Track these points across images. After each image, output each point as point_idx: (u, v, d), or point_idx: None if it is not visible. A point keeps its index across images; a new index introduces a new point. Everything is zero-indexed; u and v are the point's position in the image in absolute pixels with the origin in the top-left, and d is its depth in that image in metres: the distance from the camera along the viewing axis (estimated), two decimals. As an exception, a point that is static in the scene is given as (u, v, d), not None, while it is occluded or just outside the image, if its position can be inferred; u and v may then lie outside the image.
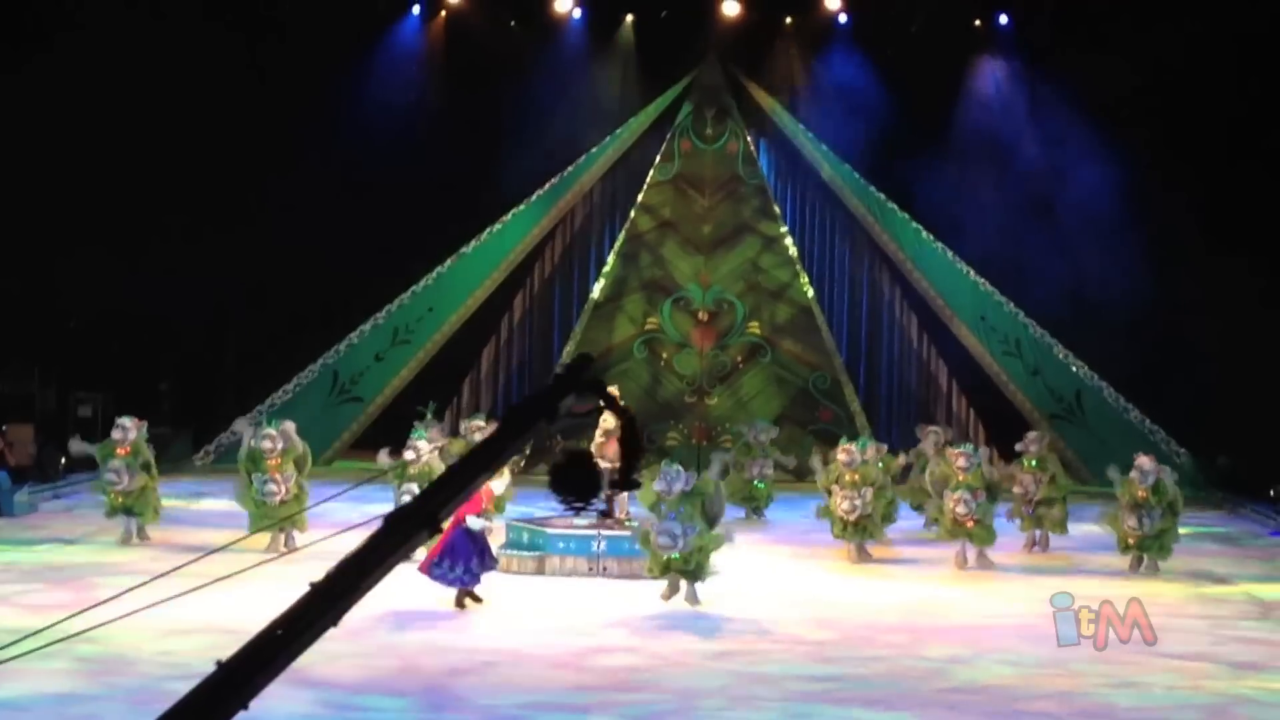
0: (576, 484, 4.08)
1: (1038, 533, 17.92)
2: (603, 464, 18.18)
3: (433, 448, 16.36)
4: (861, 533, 16.89)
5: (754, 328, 26.61)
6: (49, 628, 4.45)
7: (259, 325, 26.12)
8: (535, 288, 27.55)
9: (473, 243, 26.27)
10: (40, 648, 4.22)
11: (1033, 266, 25.25)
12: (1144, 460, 16.49)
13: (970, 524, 16.38)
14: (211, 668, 3.59)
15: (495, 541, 14.58)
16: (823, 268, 27.40)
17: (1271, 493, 22.07)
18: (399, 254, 25.67)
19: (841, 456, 16.99)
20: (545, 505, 15.75)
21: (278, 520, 15.82)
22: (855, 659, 11.88)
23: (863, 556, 16.92)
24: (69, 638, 4.37)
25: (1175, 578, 16.00)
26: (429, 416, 18.48)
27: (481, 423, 19.12)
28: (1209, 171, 23.61)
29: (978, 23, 26.71)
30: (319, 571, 3.78)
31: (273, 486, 16.02)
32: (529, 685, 10.59)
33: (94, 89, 22.82)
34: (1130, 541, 16.31)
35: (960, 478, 16.46)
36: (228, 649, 3.63)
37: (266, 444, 16.19)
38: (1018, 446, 18.12)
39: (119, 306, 24.05)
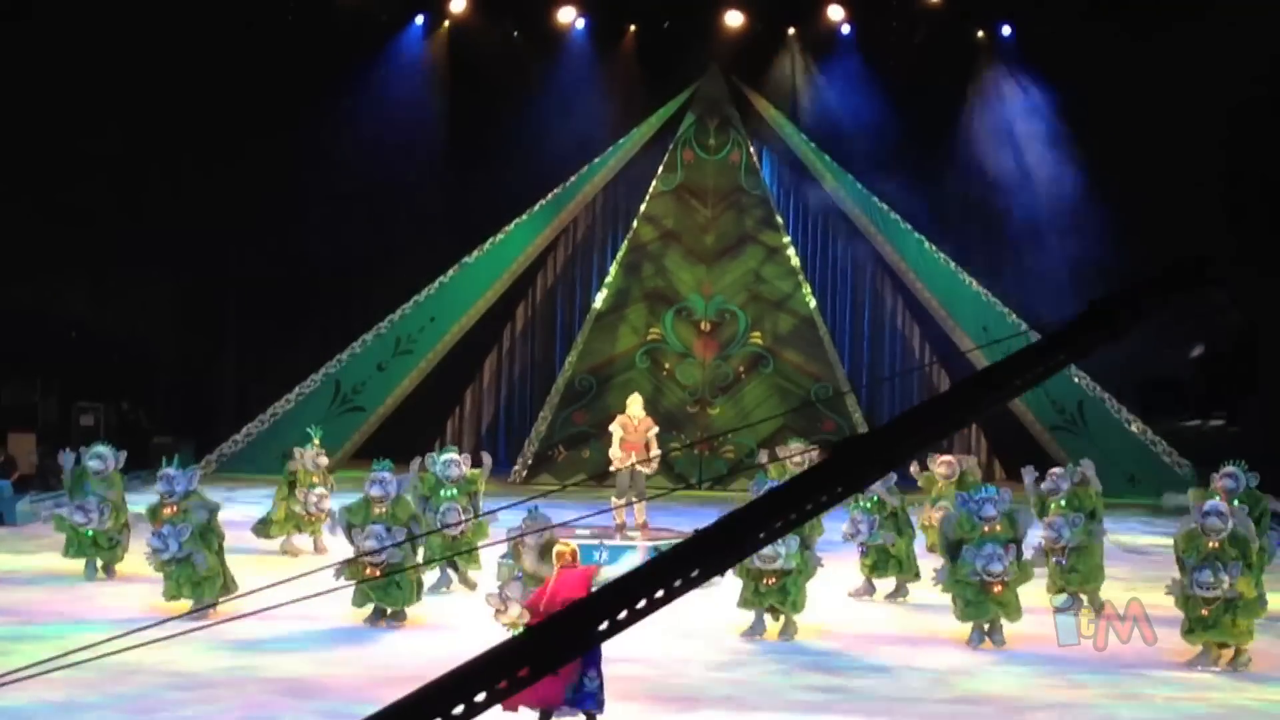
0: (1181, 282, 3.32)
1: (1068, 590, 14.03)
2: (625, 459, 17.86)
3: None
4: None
5: (756, 338, 26.58)
6: (72, 651, 4.41)
7: (260, 334, 26.14)
8: (537, 298, 27.55)
9: (475, 252, 26.24)
10: (45, 673, 4.20)
11: (1034, 275, 25.24)
12: (1218, 503, 12.52)
13: (999, 589, 12.52)
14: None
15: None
16: (825, 278, 27.39)
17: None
18: (401, 263, 25.69)
19: (941, 469, 15.72)
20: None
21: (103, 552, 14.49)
22: (856, 669, 11.88)
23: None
24: (78, 664, 4.33)
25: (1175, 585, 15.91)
26: (316, 442, 17.70)
27: (454, 456, 15.54)
28: (1211, 178, 23.60)
29: (980, 34, 26.74)
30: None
31: (80, 517, 14.37)
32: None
33: (94, 93, 22.85)
34: (1204, 613, 11.95)
35: (985, 529, 12.72)
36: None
37: (95, 464, 14.53)
38: (1044, 485, 15.14)
39: (115, 314, 24.06)
